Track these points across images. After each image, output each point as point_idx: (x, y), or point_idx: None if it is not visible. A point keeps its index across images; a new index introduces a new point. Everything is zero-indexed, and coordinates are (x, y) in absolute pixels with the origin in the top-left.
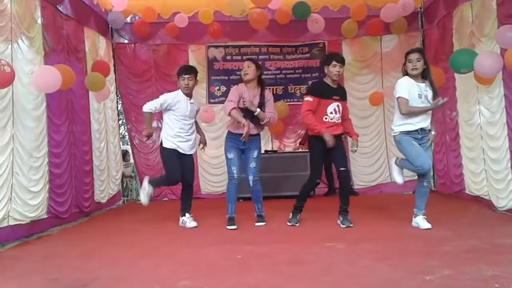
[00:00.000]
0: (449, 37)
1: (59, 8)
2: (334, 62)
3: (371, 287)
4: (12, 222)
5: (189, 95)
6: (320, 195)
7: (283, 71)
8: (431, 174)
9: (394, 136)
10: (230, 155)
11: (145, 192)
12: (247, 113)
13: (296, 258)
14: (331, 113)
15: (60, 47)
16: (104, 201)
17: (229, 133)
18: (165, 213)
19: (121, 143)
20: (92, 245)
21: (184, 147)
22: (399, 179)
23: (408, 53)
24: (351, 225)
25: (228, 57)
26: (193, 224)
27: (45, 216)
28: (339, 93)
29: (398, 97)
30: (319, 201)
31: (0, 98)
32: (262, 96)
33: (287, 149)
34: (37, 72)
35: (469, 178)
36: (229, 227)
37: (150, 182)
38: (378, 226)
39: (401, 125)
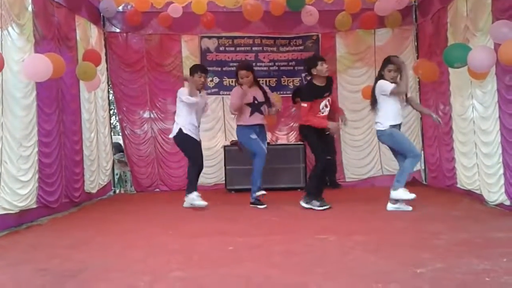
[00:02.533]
0: (444, 31)
1: None
2: (320, 62)
3: (362, 279)
4: (0, 212)
5: (200, 90)
6: None
7: (276, 63)
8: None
9: (383, 130)
10: (254, 136)
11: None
12: (254, 107)
13: (288, 249)
14: (322, 108)
15: (51, 35)
16: (94, 191)
17: (244, 126)
18: (157, 204)
19: (112, 133)
20: (82, 235)
21: (197, 136)
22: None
23: (390, 62)
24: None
25: (222, 48)
26: (202, 203)
27: (35, 206)
28: (328, 89)
29: (390, 90)
30: None
31: None
32: (264, 92)
33: (279, 141)
34: (27, 60)
35: (461, 172)
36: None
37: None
38: (370, 218)
39: (390, 119)
